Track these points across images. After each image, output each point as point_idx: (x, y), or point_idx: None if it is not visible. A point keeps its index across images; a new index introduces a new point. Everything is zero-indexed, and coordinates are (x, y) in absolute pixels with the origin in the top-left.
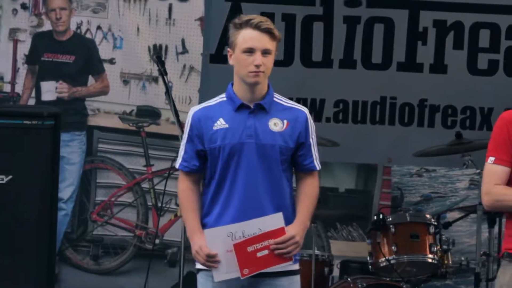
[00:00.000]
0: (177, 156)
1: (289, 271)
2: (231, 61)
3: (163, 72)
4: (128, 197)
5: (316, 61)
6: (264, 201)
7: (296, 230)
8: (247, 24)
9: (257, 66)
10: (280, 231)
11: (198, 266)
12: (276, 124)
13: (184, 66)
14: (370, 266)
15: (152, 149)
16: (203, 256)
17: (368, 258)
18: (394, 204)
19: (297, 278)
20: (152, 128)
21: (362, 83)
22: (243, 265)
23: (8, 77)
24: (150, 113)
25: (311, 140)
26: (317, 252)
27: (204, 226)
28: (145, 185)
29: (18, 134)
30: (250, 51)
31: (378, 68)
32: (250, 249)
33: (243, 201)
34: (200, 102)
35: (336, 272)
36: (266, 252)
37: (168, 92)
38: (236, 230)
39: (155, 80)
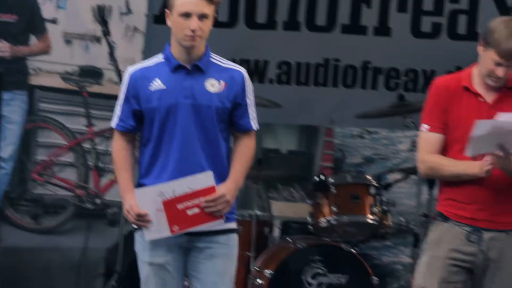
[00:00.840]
0: None
1: (226, 229)
2: (168, 22)
3: (106, 33)
4: (69, 157)
5: (260, 23)
6: (202, 161)
7: (227, 188)
8: None
9: (193, 31)
10: (211, 190)
11: (135, 225)
12: (213, 85)
13: (128, 26)
14: (310, 227)
15: (94, 109)
16: (133, 216)
17: (308, 219)
18: (336, 165)
19: (234, 237)
20: (95, 88)
21: (305, 45)
22: (173, 222)
23: None
24: (92, 73)
25: (248, 100)
26: (257, 212)
27: (142, 186)
28: (86, 145)
29: None
30: (186, 15)
31: (322, 30)
32: (180, 206)
33: (180, 162)
34: None
35: (276, 232)
36: (196, 210)
37: (111, 52)
38: (166, 190)
39: (98, 40)
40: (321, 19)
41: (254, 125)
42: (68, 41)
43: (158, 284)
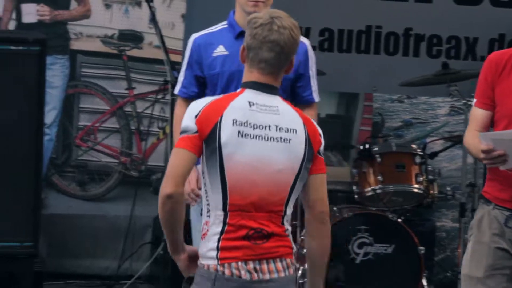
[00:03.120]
0: (164, 81)
1: None
2: None
3: None
4: (111, 122)
5: None
6: None
7: None
8: None
9: None
10: None
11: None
12: None
13: None
14: (355, 196)
15: (134, 73)
16: (187, 191)
17: (354, 188)
18: (375, 129)
19: None
20: (135, 52)
21: (347, 11)
22: None
23: None
24: (132, 37)
25: (310, 72)
26: None
27: None
28: (127, 108)
29: (4, 60)
30: None
31: None
32: None
33: None
34: (185, 28)
35: None
36: None
37: (153, 17)
38: None
39: (138, 4)
40: None
41: (317, 97)
42: (107, 5)
43: None
